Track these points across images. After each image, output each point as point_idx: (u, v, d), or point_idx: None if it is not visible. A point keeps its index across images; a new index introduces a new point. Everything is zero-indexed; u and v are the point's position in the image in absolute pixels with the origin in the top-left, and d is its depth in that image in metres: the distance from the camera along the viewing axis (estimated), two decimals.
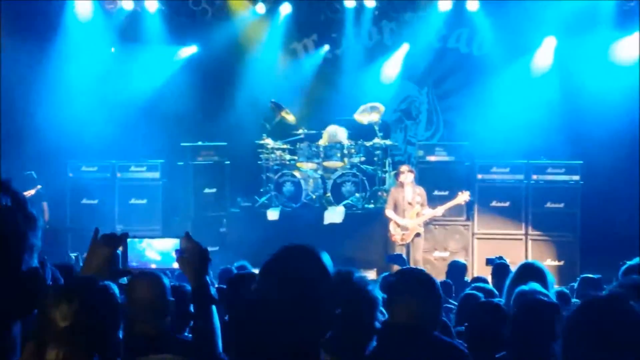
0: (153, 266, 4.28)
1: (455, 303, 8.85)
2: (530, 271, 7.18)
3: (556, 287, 10.09)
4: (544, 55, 18.75)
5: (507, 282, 7.04)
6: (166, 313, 5.18)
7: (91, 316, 3.44)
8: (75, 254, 14.82)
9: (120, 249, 4.14)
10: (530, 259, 16.17)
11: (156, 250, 4.23)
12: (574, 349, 3.34)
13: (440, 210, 15.70)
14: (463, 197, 15.82)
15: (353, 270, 3.96)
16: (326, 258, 3.37)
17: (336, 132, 17.69)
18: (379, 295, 3.86)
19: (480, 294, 7.68)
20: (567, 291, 9.39)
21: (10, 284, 2.06)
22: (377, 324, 3.83)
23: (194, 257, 4.05)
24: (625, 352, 3.38)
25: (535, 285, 6.08)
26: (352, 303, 3.77)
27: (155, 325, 5.11)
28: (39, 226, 2.13)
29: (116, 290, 3.60)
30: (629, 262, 7.07)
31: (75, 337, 3.41)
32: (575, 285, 10.40)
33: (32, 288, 2.10)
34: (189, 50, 19.74)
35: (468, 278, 13.02)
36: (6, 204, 2.07)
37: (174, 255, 4.13)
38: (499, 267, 10.93)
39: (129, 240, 4.19)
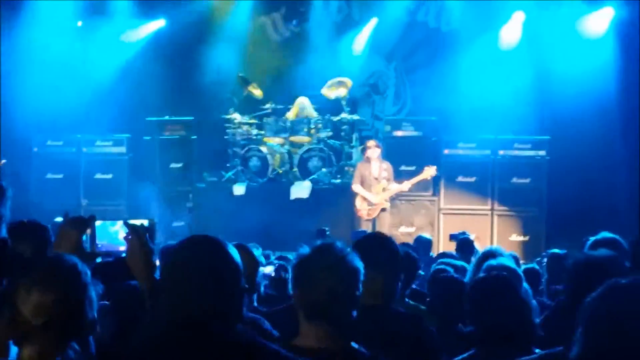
0: (122, 249, 4.19)
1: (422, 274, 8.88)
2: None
3: (522, 262, 10.19)
4: (512, 30, 18.73)
5: (473, 263, 7.08)
6: None
7: (65, 305, 3.40)
8: None
9: (88, 231, 4.08)
10: (495, 235, 16.39)
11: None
12: (595, 337, 3.17)
13: (406, 185, 15.68)
14: (429, 171, 15.80)
15: (334, 242, 3.96)
16: (229, 246, 3.47)
17: (304, 105, 17.68)
18: (360, 266, 3.86)
19: (450, 269, 7.72)
20: (537, 267, 9.42)
21: None
22: (358, 293, 3.85)
23: (134, 255, 3.96)
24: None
25: (504, 260, 6.10)
26: (333, 273, 3.79)
27: None
28: (8, 197, 2.11)
29: (85, 269, 3.56)
30: (592, 238, 7.07)
31: (47, 333, 3.39)
32: (544, 261, 10.42)
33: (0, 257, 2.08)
34: (157, 24, 19.57)
35: (433, 253, 13.07)
36: None
37: (121, 238, 4.05)
38: (462, 242, 10.98)
39: (101, 222, 4.13)
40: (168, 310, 3.35)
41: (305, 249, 3.89)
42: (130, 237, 3.95)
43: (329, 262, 3.81)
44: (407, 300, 6.56)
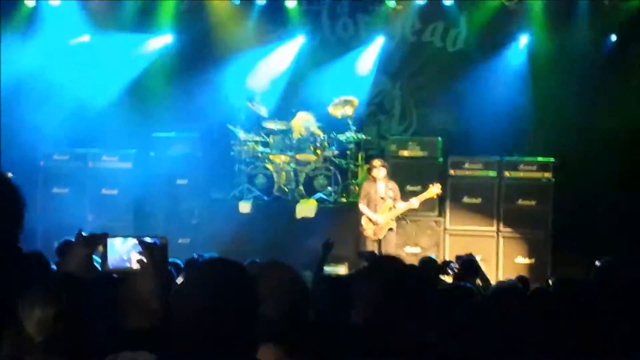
0: (134, 267, 4.13)
1: None
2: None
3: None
4: (518, 52, 18.77)
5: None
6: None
7: (67, 321, 3.39)
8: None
9: (100, 249, 4.05)
10: (500, 257, 16.36)
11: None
12: None
13: (414, 202, 15.60)
14: (435, 189, 15.77)
15: (284, 262, 3.94)
16: (244, 268, 3.39)
17: (308, 121, 17.67)
18: (308, 286, 3.85)
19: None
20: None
21: (12, 261, 2.06)
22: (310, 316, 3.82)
23: (147, 274, 3.91)
24: None
25: None
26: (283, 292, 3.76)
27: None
28: (25, 207, 2.13)
29: (90, 286, 3.55)
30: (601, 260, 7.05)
31: (52, 350, 3.37)
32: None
33: (32, 267, 2.09)
34: (164, 40, 19.59)
35: None
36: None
37: (133, 257, 3.99)
38: (466, 264, 10.95)
39: (114, 239, 4.07)
40: (178, 331, 3.30)
41: (254, 268, 3.85)
42: (143, 255, 3.92)
43: (277, 282, 3.77)
44: None
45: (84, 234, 4.12)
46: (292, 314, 3.77)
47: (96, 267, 4.08)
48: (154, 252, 3.93)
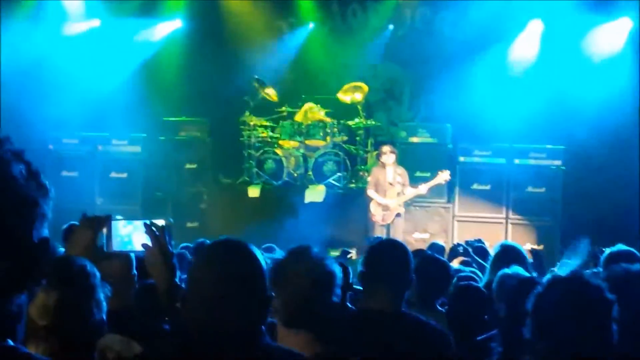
0: (137, 249, 4.13)
1: None
2: (511, 253, 7.22)
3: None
4: (529, 39, 18.71)
5: (489, 264, 7.06)
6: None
7: (70, 308, 3.39)
8: None
9: (104, 231, 4.05)
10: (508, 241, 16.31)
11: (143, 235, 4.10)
12: (542, 325, 3.67)
13: (423, 188, 15.62)
14: (443, 175, 15.76)
15: (310, 247, 3.92)
16: (256, 251, 3.34)
17: (310, 110, 17.66)
18: (337, 270, 3.82)
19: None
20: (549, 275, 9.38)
21: (22, 253, 2.03)
22: (335, 299, 3.79)
23: (155, 259, 3.91)
24: (588, 327, 3.58)
25: (517, 269, 6.07)
26: (308, 277, 3.74)
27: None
28: (51, 197, 2.11)
29: (94, 270, 3.54)
30: (609, 249, 7.03)
31: (54, 335, 3.37)
32: (556, 270, 10.39)
33: (42, 258, 2.07)
34: (174, 25, 19.59)
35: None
36: (20, 172, 2.04)
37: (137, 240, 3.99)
38: (477, 251, 10.95)
39: (118, 222, 4.08)
40: (192, 318, 3.28)
41: (280, 254, 3.85)
42: (149, 237, 3.91)
43: (303, 267, 3.77)
44: (439, 308, 6.50)
45: (88, 216, 4.12)
46: (318, 299, 3.76)
47: (101, 249, 4.07)
48: (160, 235, 3.92)
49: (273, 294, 3.72)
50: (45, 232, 2.12)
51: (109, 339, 3.71)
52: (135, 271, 5.05)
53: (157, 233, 3.91)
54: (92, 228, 4.00)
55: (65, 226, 7.86)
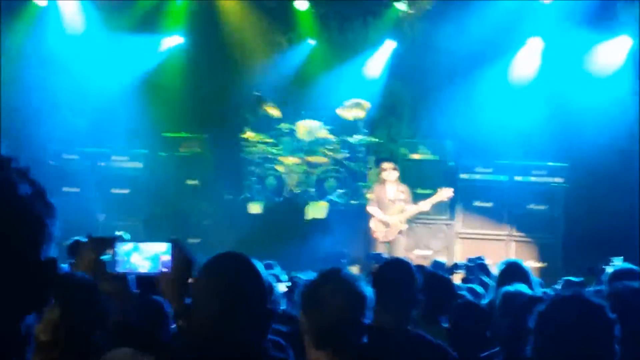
0: (143, 271, 4.11)
1: None
2: (515, 271, 7.21)
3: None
4: (529, 56, 18.72)
5: (494, 281, 7.04)
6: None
7: (73, 323, 3.37)
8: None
9: (110, 252, 4.03)
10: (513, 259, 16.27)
11: (145, 256, 4.08)
12: (544, 344, 3.74)
13: (425, 204, 15.62)
14: (446, 193, 15.76)
15: (343, 267, 3.93)
16: (257, 264, 3.33)
17: (308, 128, 17.65)
18: (369, 292, 3.81)
19: (467, 294, 7.68)
20: (552, 293, 9.37)
21: (28, 274, 2.02)
22: (367, 321, 3.79)
23: (175, 274, 3.89)
24: (590, 346, 3.57)
25: (521, 287, 6.06)
26: (342, 299, 3.73)
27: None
28: (57, 216, 2.09)
29: (97, 287, 3.53)
30: (612, 266, 7.02)
31: (56, 351, 3.35)
32: (559, 287, 10.38)
33: (50, 278, 2.05)
34: (175, 40, 19.60)
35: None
36: (25, 192, 2.02)
37: (164, 259, 3.97)
38: (479, 268, 10.93)
39: (123, 243, 4.06)
40: (197, 331, 3.27)
41: (312, 275, 3.84)
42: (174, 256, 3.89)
43: (337, 288, 3.76)
44: (443, 325, 6.48)
45: (93, 237, 4.10)
46: (350, 321, 3.75)
47: (105, 271, 4.05)
48: (186, 254, 3.91)
49: (302, 313, 3.76)
50: (53, 252, 2.10)
51: (118, 353, 3.69)
52: (135, 289, 5.03)
53: (185, 250, 3.90)
54: (97, 249, 3.98)
55: (69, 242, 7.85)
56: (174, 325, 5.02)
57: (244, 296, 3.24)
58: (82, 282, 3.51)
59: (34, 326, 2.11)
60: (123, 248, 4.04)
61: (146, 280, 4.09)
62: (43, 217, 2.08)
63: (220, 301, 3.21)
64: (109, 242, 4.03)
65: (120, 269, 4.04)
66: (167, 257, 3.95)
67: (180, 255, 3.86)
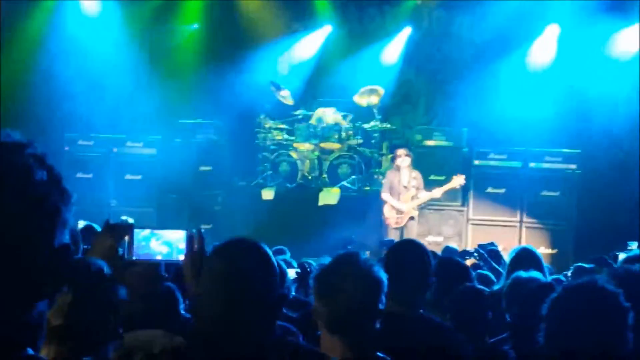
0: (159, 258, 4.17)
1: None
2: (528, 257, 7.22)
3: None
4: (546, 44, 18.67)
5: (505, 268, 7.06)
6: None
7: (84, 309, 3.40)
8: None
9: (126, 239, 4.07)
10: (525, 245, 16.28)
11: (163, 241, 4.13)
12: (556, 331, 3.71)
13: (438, 191, 15.66)
14: (458, 180, 15.79)
15: (359, 252, 3.92)
16: (267, 249, 3.35)
17: (324, 116, 17.65)
18: (384, 277, 3.82)
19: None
20: (563, 279, 9.38)
21: (43, 260, 2.04)
22: (381, 306, 3.80)
23: (193, 261, 3.92)
24: (602, 334, 3.55)
25: (535, 274, 6.07)
26: (357, 285, 3.74)
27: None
28: (72, 202, 2.11)
29: (111, 274, 3.56)
30: (626, 253, 7.03)
31: (68, 336, 3.39)
32: (569, 274, 10.39)
33: (63, 264, 2.07)
34: (191, 27, 19.62)
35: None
36: (42, 178, 2.04)
37: (181, 247, 4.02)
38: (490, 254, 10.93)
39: (141, 230, 4.09)
40: (207, 316, 3.28)
41: (327, 260, 3.84)
42: (192, 243, 3.93)
43: (353, 273, 3.76)
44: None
45: (110, 222, 4.14)
46: (366, 306, 3.76)
47: (121, 257, 4.09)
48: (202, 243, 3.94)
49: (317, 299, 3.78)
50: (66, 238, 2.13)
51: (148, 333, 3.73)
52: (163, 275, 5.09)
53: (196, 245, 3.93)
54: (113, 236, 4.01)
55: (82, 226, 7.87)
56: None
57: (252, 281, 3.21)
58: (96, 268, 3.54)
59: (46, 312, 2.14)
60: (140, 235, 4.09)
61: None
62: (58, 203, 2.10)
63: (228, 287, 3.20)
64: (126, 228, 4.07)
65: (136, 255, 4.09)
66: (183, 245, 4.00)
67: (197, 244, 3.90)
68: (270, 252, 3.32)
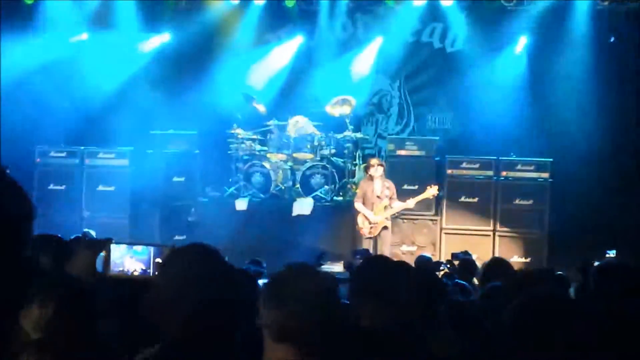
0: (135, 273, 4.15)
1: None
2: (499, 267, 7.24)
3: None
4: (517, 54, 18.77)
5: (478, 278, 7.08)
6: None
7: (64, 323, 3.38)
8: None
9: (103, 253, 4.05)
10: (497, 255, 16.34)
11: (137, 259, 4.11)
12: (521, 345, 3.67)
13: (411, 202, 15.67)
14: (432, 191, 15.80)
15: (308, 263, 3.89)
16: (221, 255, 3.30)
17: (299, 123, 17.67)
18: (334, 285, 3.78)
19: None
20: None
21: (10, 271, 2.02)
22: (331, 315, 3.76)
23: None
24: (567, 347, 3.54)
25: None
26: (306, 294, 3.71)
27: None
28: (35, 214, 2.09)
29: (92, 288, 3.54)
30: (598, 262, 7.05)
31: (46, 350, 3.36)
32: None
33: (30, 274, 2.06)
34: (162, 38, 19.57)
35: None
36: (5, 190, 2.02)
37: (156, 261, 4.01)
38: (464, 263, 10.95)
39: (118, 245, 4.08)
40: (167, 323, 3.25)
41: (277, 270, 3.80)
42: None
43: (302, 283, 3.75)
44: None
45: (89, 235, 4.13)
46: (315, 315, 3.73)
47: (99, 272, 4.07)
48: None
49: (263, 307, 3.73)
50: (29, 251, 2.11)
51: None
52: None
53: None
54: (92, 250, 4.00)
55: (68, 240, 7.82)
56: None
57: (199, 284, 3.18)
58: (77, 283, 3.52)
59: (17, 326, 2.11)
60: (116, 250, 4.07)
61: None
62: (21, 216, 2.08)
63: (183, 293, 3.17)
64: (103, 244, 4.05)
65: (113, 270, 4.07)
66: (159, 260, 3.98)
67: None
68: (220, 256, 3.26)
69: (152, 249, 4.08)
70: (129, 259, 4.09)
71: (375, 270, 5.03)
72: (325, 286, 3.74)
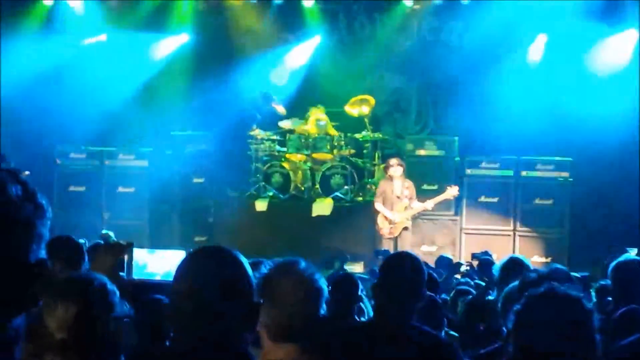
0: (157, 278, 4.16)
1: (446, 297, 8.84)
2: (516, 266, 7.20)
3: None
4: (536, 51, 18.69)
5: (496, 277, 7.04)
6: None
7: (88, 323, 3.38)
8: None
9: (125, 257, 4.05)
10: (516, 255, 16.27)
11: (159, 263, 4.12)
12: (525, 343, 3.69)
13: (430, 203, 15.64)
14: (452, 191, 15.78)
15: (298, 260, 3.87)
16: (240, 257, 3.27)
17: (321, 119, 17.67)
18: (324, 285, 3.78)
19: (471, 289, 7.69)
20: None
21: (18, 275, 2.02)
22: (322, 312, 3.76)
23: None
24: (569, 341, 3.61)
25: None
26: (295, 292, 3.70)
27: None
28: (48, 217, 2.08)
29: (114, 289, 3.54)
30: (616, 259, 7.01)
31: (71, 349, 3.36)
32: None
33: (39, 279, 2.05)
34: (181, 39, 19.60)
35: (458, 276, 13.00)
36: (16, 193, 2.02)
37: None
38: (484, 263, 10.94)
39: (139, 249, 4.08)
40: (177, 328, 3.23)
41: (268, 268, 3.78)
42: None
43: (291, 282, 3.73)
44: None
45: (108, 237, 4.14)
46: (306, 314, 3.73)
47: (121, 276, 4.07)
48: None
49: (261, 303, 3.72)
50: (42, 252, 2.10)
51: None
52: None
53: None
54: (113, 254, 4.00)
55: (91, 245, 7.85)
56: None
57: (220, 288, 3.15)
58: (100, 283, 3.53)
59: (23, 327, 2.11)
60: (138, 254, 4.08)
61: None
62: (32, 217, 2.08)
63: (193, 294, 3.13)
64: (124, 247, 4.05)
65: (134, 275, 4.07)
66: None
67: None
68: (242, 259, 3.24)
69: (172, 253, 4.09)
70: (151, 264, 4.10)
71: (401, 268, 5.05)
72: (313, 285, 3.73)
